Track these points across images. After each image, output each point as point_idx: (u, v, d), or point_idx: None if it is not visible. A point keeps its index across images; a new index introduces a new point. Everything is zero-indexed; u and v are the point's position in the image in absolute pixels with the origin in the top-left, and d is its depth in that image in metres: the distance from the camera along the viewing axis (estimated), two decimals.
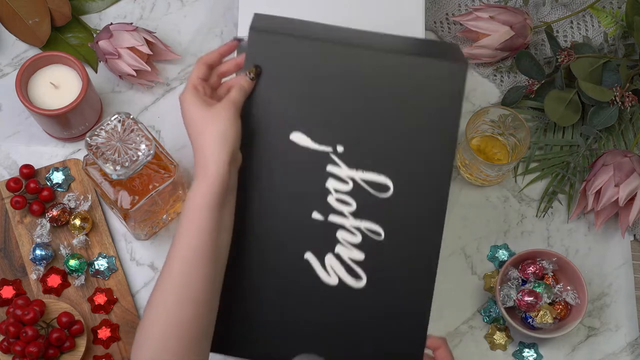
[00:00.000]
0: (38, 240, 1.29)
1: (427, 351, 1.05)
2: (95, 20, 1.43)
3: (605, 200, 1.27)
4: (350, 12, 1.32)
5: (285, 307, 1.03)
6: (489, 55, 1.38)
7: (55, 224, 1.30)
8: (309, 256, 1.02)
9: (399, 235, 1.02)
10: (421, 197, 1.01)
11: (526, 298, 1.24)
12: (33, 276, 1.29)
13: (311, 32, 1.07)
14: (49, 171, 1.33)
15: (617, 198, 1.27)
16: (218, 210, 0.96)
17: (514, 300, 1.25)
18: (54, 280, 1.28)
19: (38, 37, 1.38)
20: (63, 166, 1.34)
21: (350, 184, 1.02)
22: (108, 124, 1.14)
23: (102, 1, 1.43)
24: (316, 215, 1.02)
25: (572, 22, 1.43)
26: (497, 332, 1.28)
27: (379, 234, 1.02)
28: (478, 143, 1.35)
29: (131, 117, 1.15)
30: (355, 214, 1.02)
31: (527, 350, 1.28)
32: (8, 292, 1.28)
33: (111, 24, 1.35)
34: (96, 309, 1.28)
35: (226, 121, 0.97)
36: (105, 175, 1.18)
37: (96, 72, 1.40)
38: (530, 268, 1.27)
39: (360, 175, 1.02)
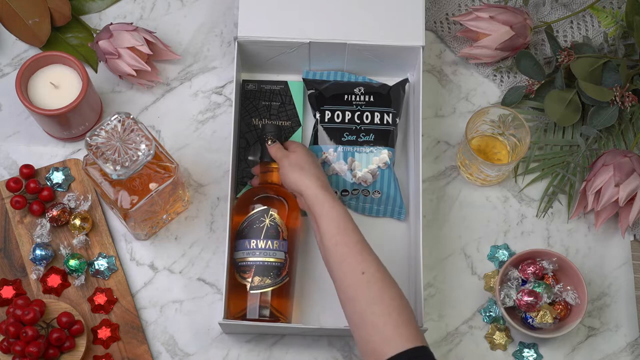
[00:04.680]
0: (38, 240, 1.29)
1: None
2: (95, 20, 1.43)
3: (605, 200, 1.27)
4: (351, 13, 1.31)
5: None
6: (489, 55, 1.38)
7: (55, 224, 1.30)
8: None
9: None
10: None
11: (526, 298, 1.24)
12: (33, 276, 1.29)
13: None
14: (49, 171, 1.33)
15: (617, 198, 1.27)
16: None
17: (514, 300, 1.25)
18: (54, 280, 1.28)
19: (38, 37, 1.38)
20: (63, 166, 1.34)
21: None
22: (108, 124, 1.14)
23: (102, 1, 1.43)
24: None
25: (572, 22, 1.43)
26: (497, 332, 1.28)
27: None
28: (478, 143, 1.35)
29: (131, 117, 1.15)
30: None
31: (527, 350, 1.28)
32: (8, 292, 1.28)
33: (111, 24, 1.35)
34: (96, 309, 1.28)
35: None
36: (105, 175, 1.18)
37: (96, 72, 1.40)
38: (530, 268, 1.27)
39: None
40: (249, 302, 1.21)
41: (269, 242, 1.22)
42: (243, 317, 1.22)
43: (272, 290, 1.22)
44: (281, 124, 1.36)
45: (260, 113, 1.36)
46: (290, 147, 1.26)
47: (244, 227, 1.24)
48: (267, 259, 1.22)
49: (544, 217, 1.35)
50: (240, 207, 1.26)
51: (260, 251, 1.22)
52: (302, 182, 1.19)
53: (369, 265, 1.10)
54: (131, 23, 1.36)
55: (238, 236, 1.25)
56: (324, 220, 1.15)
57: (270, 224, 1.23)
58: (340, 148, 1.32)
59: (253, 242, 1.23)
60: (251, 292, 1.21)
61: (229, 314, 1.23)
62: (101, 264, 1.29)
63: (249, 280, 1.22)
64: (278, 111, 1.36)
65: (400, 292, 1.10)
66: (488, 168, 1.29)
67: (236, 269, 1.23)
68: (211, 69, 1.41)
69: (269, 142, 1.27)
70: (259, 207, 1.24)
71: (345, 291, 1.10)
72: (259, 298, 1.21)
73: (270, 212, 1.23)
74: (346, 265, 1.11)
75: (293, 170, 1.21)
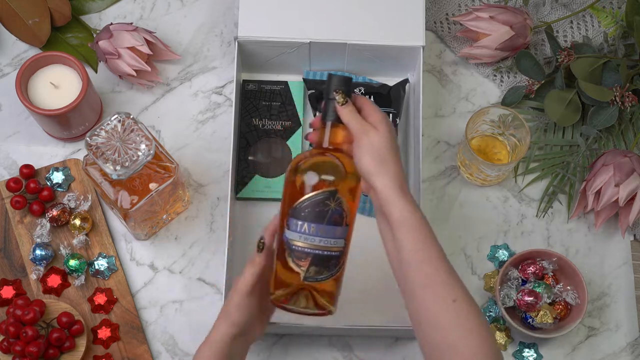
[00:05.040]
0: (38, 240, 1.29)
1: None
2: (95, 20, 1.43)
3: (605, 200, 1.27)
4: (351, 13, 1.32)
5: None
6: (489, 55, 1.38)
7: (55, 224, 1.30)
8: None
9: None
10: None
11: (526, 298, 1.24)
12: (33, 276, 1.29)
13: None
14: (49, 171, 1.33)
15: (617, 198, 1.27)
16: None
17: (514, 300, 1.25)
18: (54, 280, 1.28)
19: (38, 37, 1.38)
20: (63, 166, 1.34)
21: None
22: (108, 124, 1.14)
23: (102, 1, 1.43)
24: None
25: (572, 22, 1.43)
26: (497, 332, 1.28)
27: None
28: (478, 143, 1.35)
29: (131, 117, 1.15)
30: None
31: (527, 350, 1.28)
32: (8, 292, 1.28)
33: (111, 24, 1.35)
34: (96, 309, 1.28)
35: (229, 304, 1.09)
36: (105, 175, 1.18)
37: (96, 72, 1.40)
38: (530, 268, 1.27)
39: None
40: (298, 291, 1.07)
41: (332, 229, 1.06)
42: (284, 301, 1.08)
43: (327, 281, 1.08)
44: (281, 124, 1.36)
45: (261, 113, 1.36)
46: (371, 117, 1.05)
47: (303, 206, 1.06)
48: (327, 248, 1.06)
49: (544, 217, 1.35)
50: (294, 173, 1.08)
51: (321, 239, 1.06)
52: (380, 180, 1.03)
53: (459, 293, 1.01)
54: (131, 23, 1.37)
55: (295, 214, 1.06)
56: (403, 229, 1.01)
57: (335, 208, 1.06)
58: None
59: (313, 227, 1.06)
60: (305, 282, 1.06)
61: (269, 291, 1.09)
62: (101, 264, 1.29)
63: (304, 269, 1.06)
64: (278, 111, 1.36)
65: (486, 320, 1.02)
66: (488, 168, 1.29)
67: (289, 251, 1.07)
68: (211, 69, 1.41)
69: (341, 101, 1.05)
70: (325, 188, 1.06)
71: (428, 316, 1.00)
72: (312, 289, 1.06)
73: (338, 196, 1.06)
74: (433, 289, 1.01)
75: (372, 157, 1.03)
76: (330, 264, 1.07)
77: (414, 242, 1.01)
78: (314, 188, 1.06)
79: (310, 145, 1.11)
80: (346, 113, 1.05)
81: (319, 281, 1.06)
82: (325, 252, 1.06)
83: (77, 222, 1.30)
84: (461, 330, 0.99)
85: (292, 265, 1.06)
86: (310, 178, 1.06)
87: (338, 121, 1.07)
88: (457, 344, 0.98)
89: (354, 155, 1.05)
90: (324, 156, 1.07)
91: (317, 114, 1.35)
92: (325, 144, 1.08)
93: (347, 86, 1.07)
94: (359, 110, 1.06)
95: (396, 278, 1.06)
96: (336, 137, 1.08)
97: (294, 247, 1.07)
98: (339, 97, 1.05)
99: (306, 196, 1.06)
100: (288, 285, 1.07)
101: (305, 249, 1.06)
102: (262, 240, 1.08)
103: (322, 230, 1.05)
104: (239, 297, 1.08)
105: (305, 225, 1.06)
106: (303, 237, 1.06)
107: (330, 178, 1.06)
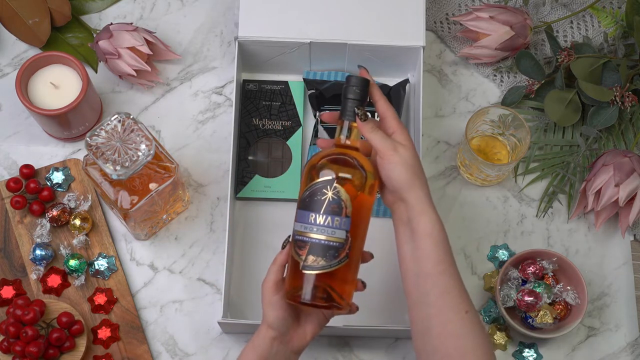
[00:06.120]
0: (38, 240, 1.29)
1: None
2: (95, 20, 1.43)
3: (605, 200, 1.27)
4: (351, 13, 1.32)
5: None
6: (489, 55, 1.38)
7: (55, 224, 1.30)
8: None
9: None
10: None
11: (526, 298, 1.24)
12: (33, 276, 1.29)
13: None
14: (49, 171, 1.33)
15: (617, 198, 1.27)
16: None
17: (514, 300, 1.25)
18: (54, 280, 1.28)
19: (38, 37, 1.38)
20: (63, 166, 1.34)
21: None
22: (108, 124, 1.14)
23: (102, 1, 1.43)
24: None
25: (572, 22, 1.43)
26: (497, 332, 1.28)
27: None
28: (478, 143, 1.35)
29: (131, 117, 1.15)
30: None
31: (527, 350, 1.28)
32: (8, 292, 1.28)
33: (111, 24, 1.35)
34: (96, 309, 1.28)
35: (262, 305, 1.11)
36: (105, 175, 1.18)
37: (96, 72, 1.40)
38: (530, 268, 1.27)
39: None
40: (304, 282, 1.07)
41: (329, 218, 1.06)
42: (296, 298, 1.07)
43: (328, 272, 1.07)
44: (281, 124, 1.36)
45: (261, 113, 1.36)
46: (396, 134, 1.08)
47: (306, 197, 1.08)
48: (323, 237, 1.06)
49: (544, 217, 1.35)
50: (308, 170, 1.10)
51: (318, 227, 1.06)
52: (414, 193, 1.06)
53: (470, 305, 1.06)
54: (131, 23, 1.37)
55: (300, 205, 1.09)
56: (429, 241, 1.05)
57: (332, 197, 1.06)
58: None
59: (312, 216, 1.07)
60: (303, 271, 1.06)
61: (284, 289, 1.10)
62: (101, 264, 1.29)
63: (302, 257, 1.07)
64: (279, 111, 1.36)
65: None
66: (488, 168, 1.29)
67: (293, 242, 1.09)
68: (211, 69, 1.41)
69: (360, 116, 1.09)
70: (324, 177, 1.07)
71: (440, 323, 1.05)
72: (314, 279, 1.06)
73: (335, 185, 1.07)
74: (450, 299, 1.05)
75: (406, 172, 1.06)
76: (328, 254, 1.06)
77: (438, 254, 1.05)
78: (315, 177, 1.08)
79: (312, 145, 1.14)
80: (368, 130, 1.08)
81: (316, 270, 1.06)
82: (323, 242, 1.06)
83: (77, 222, 1.30)
84: (472, 340, 1.04)
85: (294, 255, 1.08)
86: (315, 171, 1.08)
87: (354, 120, 1.10)
88: (467, 352, 1.04)
89: (384, 170, 1.07)
90: (334, 152, 1.09)
91: (317, 114, 1.35)
92: (342, 142, 1.10)
93: (365, 87, 1.09)
94: (381, 118, 1.10)
95: (407, 285, 1.08)
96: (352, 135, 1.10)
97: (296, 236, 1.08)
98: (360, 114, 1.09)
99: (307, 186, 1.08)
100: (296, 279, 1.08)
101: (304, 238, 1.07)
102: (287, 238, 1.11)
103: (319, 218, 1.07)
104: (266, 295, 1.09)
105: (305, 214, 1.08)
106: (303, 226, 1.08)
107: (333, 169, 1.07)
